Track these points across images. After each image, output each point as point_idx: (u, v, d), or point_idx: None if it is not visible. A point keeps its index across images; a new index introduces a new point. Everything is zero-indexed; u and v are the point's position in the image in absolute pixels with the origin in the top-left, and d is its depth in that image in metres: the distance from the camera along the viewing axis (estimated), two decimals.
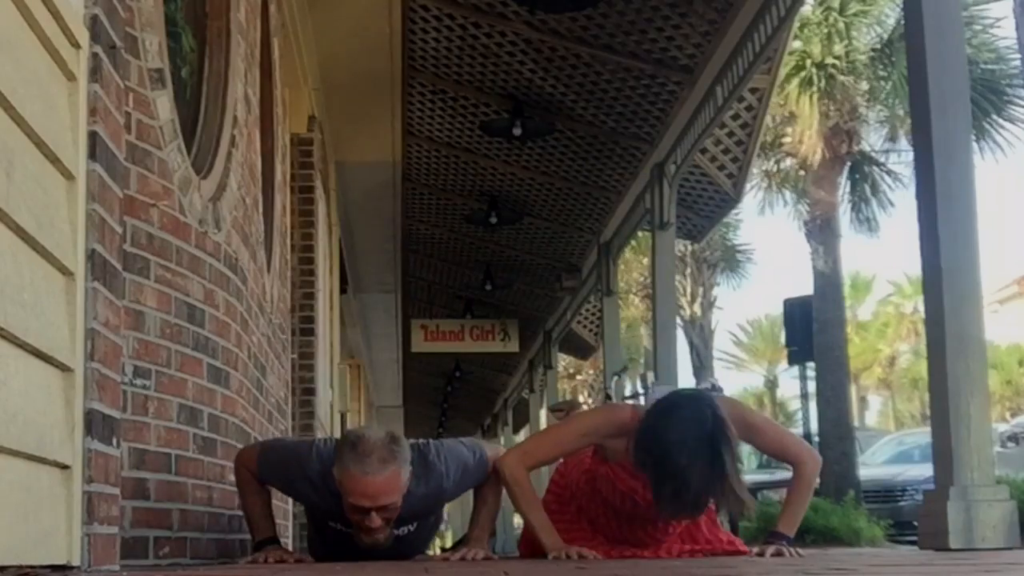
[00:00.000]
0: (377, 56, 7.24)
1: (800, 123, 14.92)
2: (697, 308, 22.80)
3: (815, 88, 14.54)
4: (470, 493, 3.73)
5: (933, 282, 3.89)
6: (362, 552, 3.50)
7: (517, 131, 7.63)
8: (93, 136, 2.19)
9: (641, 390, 9.78)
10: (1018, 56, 13.47)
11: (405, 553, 3.70)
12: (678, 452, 3.25)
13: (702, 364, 21.93)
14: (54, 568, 1.94)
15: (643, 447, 3.35)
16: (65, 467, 2.00)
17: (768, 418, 3.83)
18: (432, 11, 6.82)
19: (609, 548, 3.68)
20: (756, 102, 7.45)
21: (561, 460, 3.92)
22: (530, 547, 3.78)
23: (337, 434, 7.67)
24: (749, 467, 15.27)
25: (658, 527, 3.71)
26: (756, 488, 13.18)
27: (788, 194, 18.13)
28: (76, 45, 2.15)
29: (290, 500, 5.06)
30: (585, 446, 3.66)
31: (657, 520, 3.67)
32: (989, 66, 14.74)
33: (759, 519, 10.26)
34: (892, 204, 16.85)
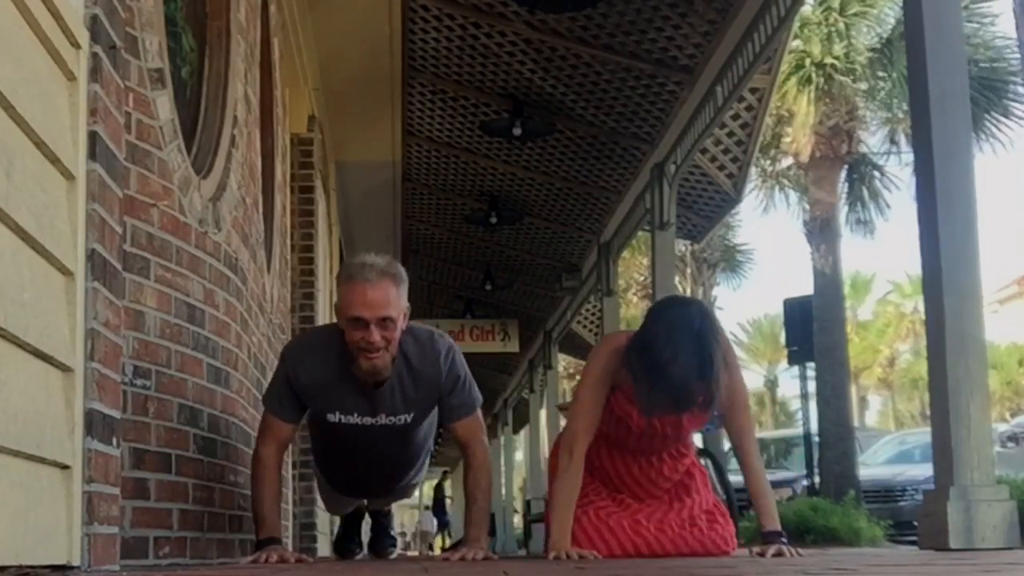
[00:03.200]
0: (377, 56, 7.24)
1: (796, 121, 14.93)
2: None
3: (813, 87, 14.54)
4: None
5: (933, 282, 3.89)
6: (363, 451, 3.62)
7: (517, 131, 7.63)
8: (93, 136, 2.19)
9: None
10: (1017, 54, 13.47)
11: (403, 451, 3.77)
12: (664, 347, 3.35)
13: None
14: (54, 568, 1.94)
15: (632, 347, 3.48)
16: (65, 467, 2.00)
17: (745, 384, 3.85)
18: (432, 11, 6.82)
19: (609, 499, 3.75)
20: (756, 102, 7.45)
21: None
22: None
23: None
24: None
25: (652, 463, 3.79)
26: None
27: (788, 194, 18.16)
28: (76, 45, 2.15)
29: (290, 500, 5.07)
30: (607, 387, 3.66)
31: (651, 454, 3.75)
32: (988, 64, 14.74)
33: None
34: (889, 206, 16.88)
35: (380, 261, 3.42)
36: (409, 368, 3.52)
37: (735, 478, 4.29)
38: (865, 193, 16.67)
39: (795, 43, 13.82)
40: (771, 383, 43.27)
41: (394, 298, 3.38)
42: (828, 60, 14.57)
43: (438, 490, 30.09)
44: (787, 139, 15.72)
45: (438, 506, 29.81)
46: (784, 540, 3.51)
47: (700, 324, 3.41)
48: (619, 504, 3.88)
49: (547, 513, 4.01)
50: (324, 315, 7.65)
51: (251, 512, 3.60)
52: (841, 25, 14.73)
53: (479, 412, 3.71)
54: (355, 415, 3.55)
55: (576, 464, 3.61)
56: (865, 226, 16.86)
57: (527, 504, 16.99)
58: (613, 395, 3.65)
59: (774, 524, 3.58)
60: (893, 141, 16.41)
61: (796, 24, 11.79)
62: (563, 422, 3.89)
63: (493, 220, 9.59)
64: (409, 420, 3.61)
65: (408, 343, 3.51)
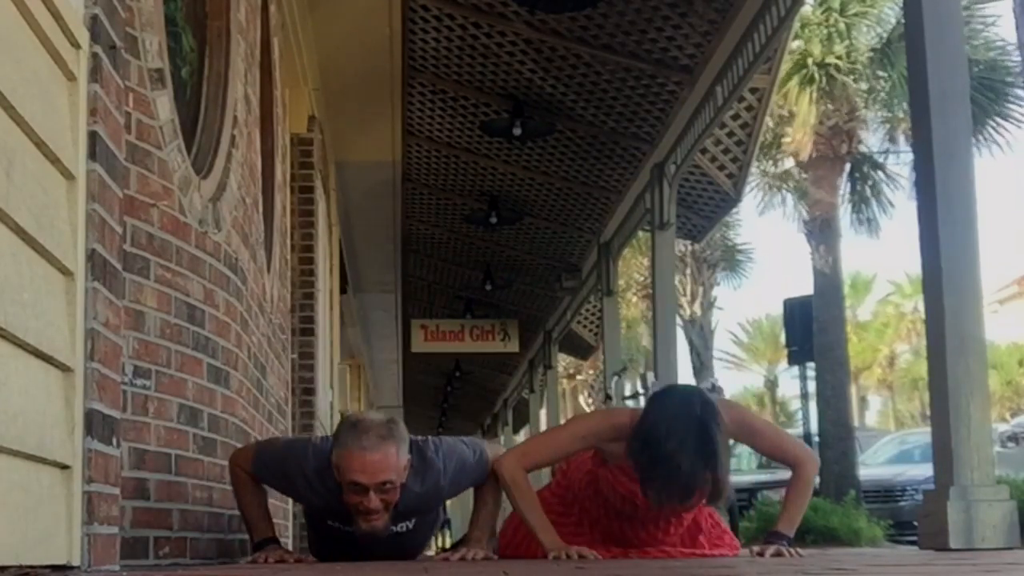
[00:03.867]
0: (377, 56, 7.24)
1: (797, 121, 14.93)
2: (697, 308, 22.79)
3: (814, 87, 14.54)
4: (471, 493, 3.74)
5: (933, 282, 3.89)
6: (361, 550, 3.51)
7: (517, 131, 7.62)
8: (93, 136, 2.19)
9: (641, 390, 9.77)
10: (1017, 55, 13.47)
11: (404, 551, 3.71)
12: (667, 437, 3.32)
13: (702, 364, 21.93)
14: (54, 568, 1.94)
15: (635, 436, 3.43)
16: (65, 467, 2.00)
17: (768, 421, 3.88)
18: (432, 11, 6.82)
19: (612, 549, 3.69)
20: (756, 102, 7.45)
21: (564, 462, 3.93)
22: (516, 546, 3.78)
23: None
24: (749, 467, 15.29)
25: (659, 526, 3.73)
26: (756, 488, 13.20)
27: (788, 194, 18.15)
28: (76, 45, 2.15)
29: (290, 500, 5.06)
30: (583, 449, 3.67)
31: (659, 520, 3.69)
32: (988, 65, 14.74)
33: (759, 519, 10.30)
34: (892, 205, 16.88)
35: (377, 422, 3.33)
36: (410, 495, 3.44)
37: (735, 478, 4.29)
38: (867, 192, 16.67)
39: (795, 43, 13.82)
40: (771, 383, 43.25)
41: (393, 462, 3.28)
42: (829, 60, 14.57)
43: None
44: (787, 139, 15.72)
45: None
46: (785, 542, 3.51)
47: (701, 411, 3.37)
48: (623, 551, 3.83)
49: (507, 525, 3.98)
50: (324, 315, 7.65)
51: (242, 519, 3.60)
52: (842, 25, 14.73)
53: (487, 454, 3.62)
54: (355, 526, 3.44)
55: (519, 477, 3.57)
56: (868, 225, 16.86)
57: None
58: (612, 473, 3.61)
59: (787, 528, 3.57)
60: (893, 140, 16.41)
61: (796, 24, 11.79)
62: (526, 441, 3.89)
63: (493, 220, 9.59)
64: (411, 526, 3.58)
65: (408, 478, 3.41)
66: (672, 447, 3.30)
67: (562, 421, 7.42)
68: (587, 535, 3.72)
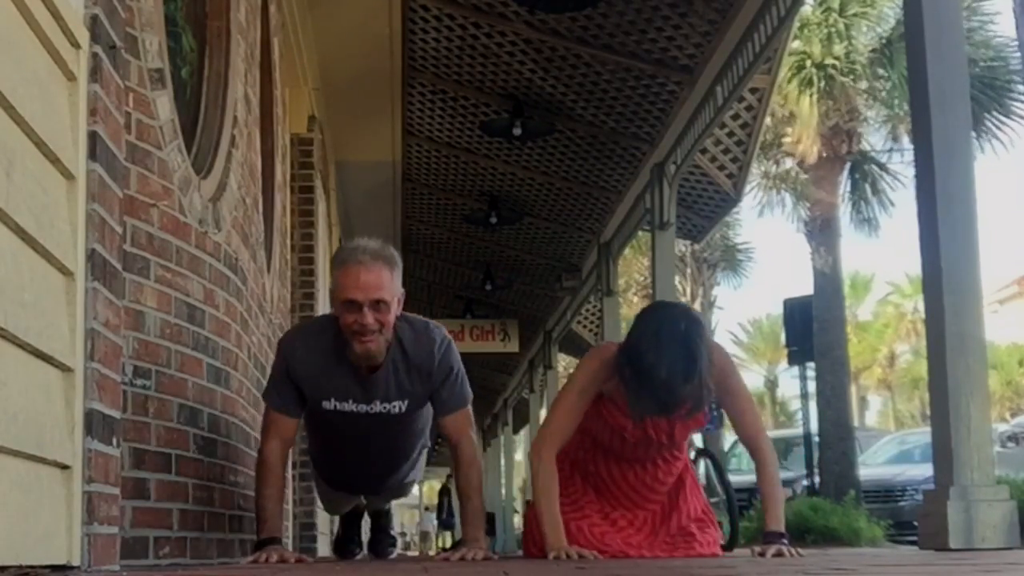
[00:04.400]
0: (377, 56, 7.24)
1: (799, 123, 14.93)
2: (697, 308, 22.80)
3: (815, 88, 14.55)
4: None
5: (933, 282, 3.89)
6: (358, 439, 3.65)
7: (517, 131, 7.63)
8: (93, 136, 2.19)
9: None
10: (1017, 54, 13.47)
11: (395, 443, 3.80)
12: (648, 350, 3.38)
13: None
14: (54, 568, 1.94)
15: (621, 351, 3.51)
16: (65, 467, 2.00)
17: (748, 392, 3.88)
18: (432, 11, 6.82)
19: (603, 507, 3.76)
20: (756, 102, 7.45)
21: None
22: (534, 539, 3.80)
23: None
24: (749, 467, 15.28)
25: (647, 469, 3.79)
26: (756, 488, 13.19)
27: (788, 194, 18.15)
28: (76, 45, 2.15)
29: (290, 500, 5.07)
30: (592, 398, 3.67)
31: (645, 462, 3.77)
32: (988, 63, 14.74)
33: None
34: (892, 204, 16.88)
35: (374, 244, 3.44)
36: (404, 355, 3.53)
37: (735, 478, 4.30)
38: (868, 191, 16.68)
39: (795, 43, 13.81)
40: (771, 383, 43.27)
41: (387, 281, 3.39)
42: (828, 60, 14.57)
43: (444, 493, 29.85)
44: (788, 139, 15.72)
45: (447, 509, 29.37)
46: (785, 541, 3.51)
47: (685, 326, 3.43)
48: (612, 524, 3.87)
49: (530, 521, 4.00)
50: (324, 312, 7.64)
51: (253, 511, 3.60)
52: (841, 25, 14.73)
53: (469, 409, 3.71)
54: (349, 402, 3.55)
55: (547, 465, 3.62)
56: (868, 224, 16.86)
57: (527, 504, 16.99)
58: (605, 406, 3.65)
59: (777, 525, 3.58)
60: (894, 139, 16.41)
61: (796, 24, 11.79)
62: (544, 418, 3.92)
63: (493, 220, 9.59)
64: (403, 408, 3.61)
65: (404, 330, 3.53)
66: (652, 358, 3.36)
67: None
68: (578, 492, 3.77)
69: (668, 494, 3.93)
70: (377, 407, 3.57)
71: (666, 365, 3.36)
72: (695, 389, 3.42)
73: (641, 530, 3.86)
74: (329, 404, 3.57)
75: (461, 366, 3.68)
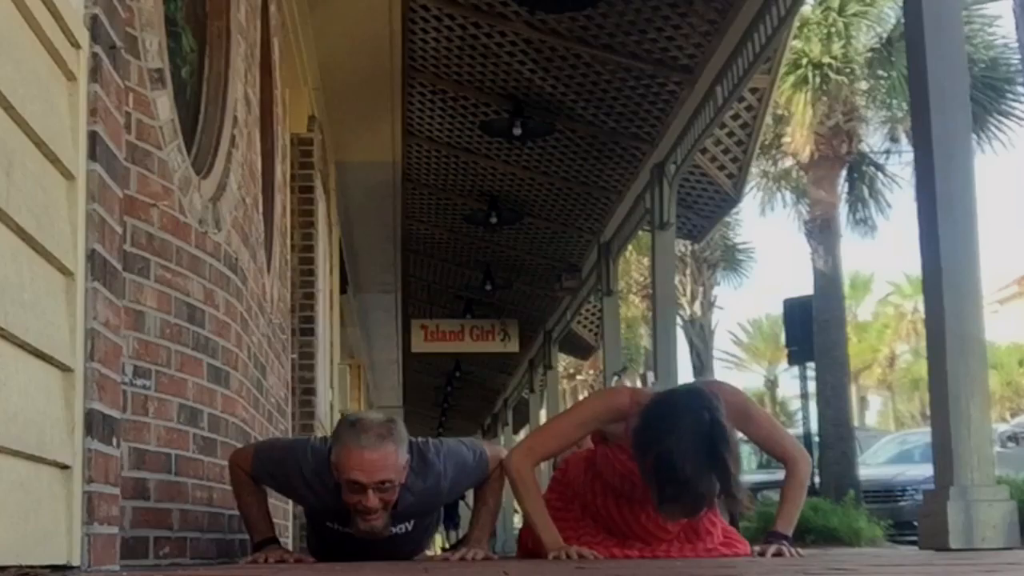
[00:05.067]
0: (377, 56, 7.24)
1: (794, 121, 14.93)
2: (697, 308, 22.81)
3: (809, 87, 14.54)
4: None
5: (933, 282, 3.89)
6: (360, 551, 3.51)
7: (517, 131, 7.63)
8: (93, 136, 2.19)
9: None
10: (1017, 55, 13.47)
11: (402, 552, 3.71)
12: (679, 459, 3.23)
13: (702, 364, 21.94)
14: (54, 568, 1.94)
15: (642, 450, 3.34)
16: (65, 467, 2.00)
17: (767, 413, 3.82)
18: (432, 11, 6.82)
19: (613, 545, 3.68)
20: (756, 102, 7.45)
21: (562, 458, 3.92)
22: (527, 547, 3.78)
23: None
24: (749, 467, 15.28)
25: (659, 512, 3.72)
26: (756, 488, 13.14)
27: (788, 194, 18.16)
28: (76, 45, 2.15)
29: (290, 500, 5.06)
30: (586, 434, 3.66)
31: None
32: (988, 64, 14.74)
33: (759, 519, 10.27)
34: (890, 205, 16.89)
35: (377, 421, 3.33)
36: (410, 494, 3.44)
37: (751, 477, 4.28)
38: (866, 192, 16.68)
39: (795, 43, 13.81)
40: (771, 383, 43.24)
41: (392, 461, 3.29)
42: (825, 60, 14.57)
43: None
44: (787, 139, 15.73)
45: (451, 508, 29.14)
46: (785, 542, 3.50)
47: (711, 428, 3.28)
48: (624, 546, 3.82)
49: (522, 534, 3.98)
50: (324, 315, 7.65)
51: (242, 519, 3.60)
52: (841, 25, 14.73)
53: (486, 454, 3.62)
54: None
55: (524, 474, 3.55)
56: (865, 225, 16.87)
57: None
58: (612, 451, 3.59)
59: (785, 528, 3.56)
60: (893, 139, 16.41)
61: (796, 24, 11.79)
62: (531, 434, 3.87)
63: (493, 220, 9.59)
64: (411, 527, 3.58)
65: (409, 478, 3.42)
66: (682, 471, 3.22)
67: None
68: (588, 530, 3.71)
69: (684, 528, 3.86)
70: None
71: (696, 482, 3.24)
72: (725, 496, 3.35)
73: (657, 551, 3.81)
74: (332, 525, 3.54)
75: (463, 451, 3.57)
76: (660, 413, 3.38)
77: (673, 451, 3.23)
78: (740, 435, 3.63)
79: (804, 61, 14.56)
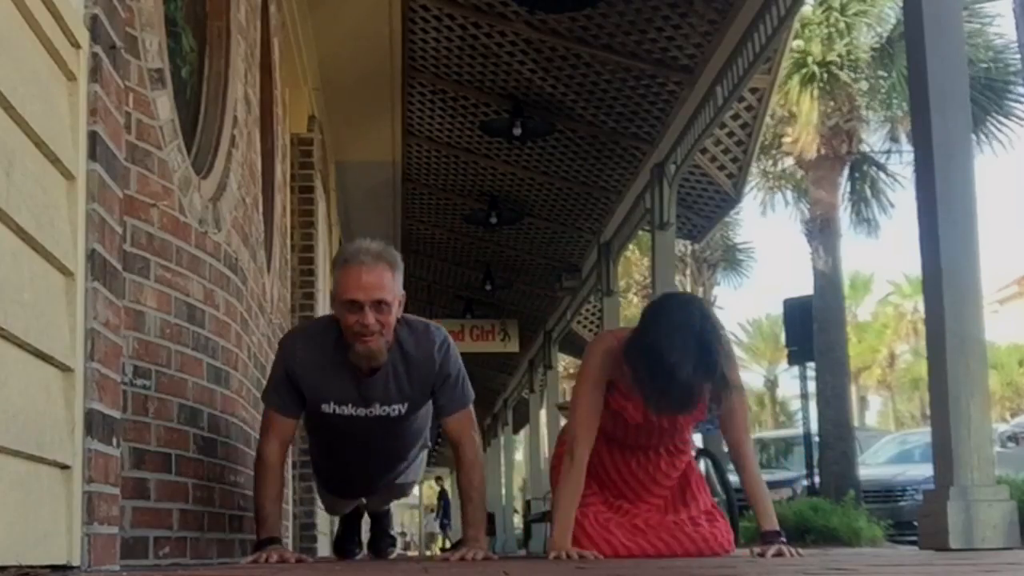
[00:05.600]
0: (377, 56, 7.24)
1: (799, 121, 14.92)
2: None
3: (815, 85, 14.54)
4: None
5: (933, 282, 3.89)
6: (356, 438, 3.65)
7: (517, 131, 7.63)
8: (93, 136, 2.19)
9: None
10: (1017, 55, 13.47)
11: (395, 446, 3.81)
12: (668, 351, 3.33)
13: None
14: (54, 568, 1.94)
15: (634, 347, 3.47)
16: (65, 467, 2.00)
17: (743, 387, 3.86)
18: (432, 11, 6.82)
19: (607, 498, 3.78)
20: (756, 102, 7.45)
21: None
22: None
23: None
24: None
25: (650, 458, 3.80)
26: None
27: (788, 194, 18.16)
28: (76, 45, 2.15)
29: (290, 500, 5.07)
30: (604, 387, 3.67)
31: (648, 451, 3.78)
32: (988, 64, 14.74)
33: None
34: (892, 205, 16.89)
35: (375, 246, 3.45)
36: (404, 357, 3.53)
37: (735, 478, 4.29)
38: (867, 192, 16.68)
39: (796, 43, 13.81)
40: (771, 383, 43.26)
41: (389, 282, 3.40)
42: (829, 59, 14.57)
43: (443, 496, 29.76)
44: (787, 139, 15.72)
45: (443, 511, 29.28)
46: (783, 540, 3.52)
47: (701, 325, 3.41)
48: (617, 511, 3.88)
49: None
50: (324, 313, 7.64)
51: (253, 512, 3.60)
52: (842, 25, 14.73)
53: (471, 409, 3.72)
54: (349, 405, 3.56)
55: (578, 466, 3.62)
56: (868, 224, 16.87)
57: (527, 504, 16.99)
58: (608, 392, 3.66)
59: (772, 524, 3.59)
60: (894, 139, 16.41)
61: (796, 24, 11.80)
62: (563, 421, 3.91)
63: (493, 220, 9.59)
64: (403, 411, 3.62)
65: (404, 332, 3.53)
66: (673, 359, 3.32)
67: (562, 422, 7.43)
68: (596, 501, 3.76)
69: (673, 490, 3.93)
70: (376, 410, 3.58)
71: (687, 366, 3.32)
72: (714, 386, 3.42)
73: (648, 521, 3.86)
74: (328, 407, 3.58)
75: (462, 367, 3.68)
76: (652, 315, 3.57)
77: (660, 338, 3.37)
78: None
79: (809, 60, 14.56)
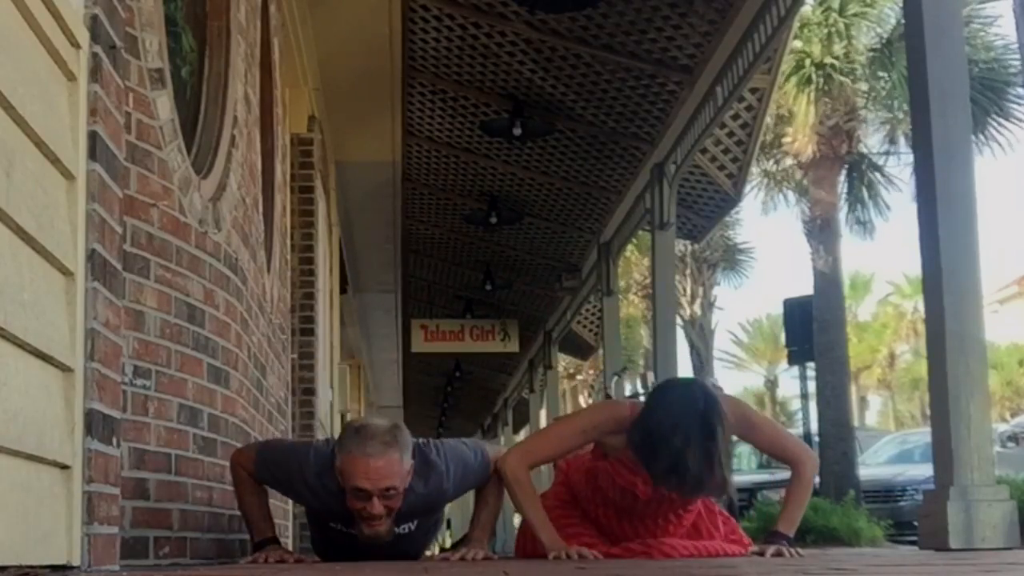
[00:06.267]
0: (377, 56, 7.23)
1: (796, 121, 14.93)
2: (697, 308, 22.80)
3: (813, 87, 14.54)
4: (471, 494, 3.74)
5: (933, 282, 3.89)
6: (363, 551, 3.51)
7: (517, 131, 7.62)
8: (93, 136, 2.19)
9: (641, 390, 9.75)
10: (1017, 56, 13.47)
11: (405, 553, 3.71)
12: (672, 433, 3.33)
13: (702, 364, 21.94)
14: (54, 568, 1.94)
15: (638, 429, 3.44)
16: (65, 467, 2.00)
17: (768, 417, 3.87)
18: (432, 11, 6.82)
19: (612, 547, 3.69)
20: (756, 102, 7.45)
21: (563, 462, 3.92)
22: (525, 549, 3.79)
23: (336, 434, 7.67)
24: (749, 467, 15.29)
25: (658, 523, 3.73)
26: (756, 488, 13.19)
27: (789, 194, 18.16)
28: (76, 45, 2.15)
29: (290, 500, 5.06)
30: (585, 443, 3.67)
31: (657, 517, 3.69)
32: (988, 65, 14.74)
33: (759, 519, 10.30)
34: (888, 207, 16.88)
35: (381, 429, 3.34)
36: (415, 497, 3.45)
37: (735, 478, 4.28)
38: (865, 193, 16.68)
39: (795, 43, 13.81)
40: (771, 383, 43.24)
41: (397, 467, 3.30)
42: (828, 60, 14.57)
43: None
44: (787, 139, 15.72)
45: None
46: (785, 541, 3.51)
47: (704, 405, 3.39)
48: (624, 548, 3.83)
49: (519, 535, 4.00)
50: (324, 315, 7.65)
51: (243, 519, 3.60)
52: (841, 25, 14.73)
53: (486, 448, 3.65)
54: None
55: (521, 474, 3.57)
56: (864, 226, 16.87)
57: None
58: (613, 466, 3.61)
59: (787, 528, 3.57)
60: (892, 141, 16.40)
61: (796, 24, 11.80)
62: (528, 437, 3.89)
63: (493, 220, 9.59)
64: (414, 528, 3.59)
65: (414, 480, 3.43)
66: (677, 444, 3.32)
67: None
68: (590, 534, 3.71)
69: (687, 528, 3.87)
70: None
71: (692, 454, 3.31)
72: (717, 474, 3.39)
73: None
74: (336, 525, 3.55)
75: (465, 450, 3.59)
76: (656, 395, 3.56)
77: (665, 424, 3.36)
78: (745, 443, 3.66)
79: (807, 62, 14.56)
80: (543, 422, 15.60)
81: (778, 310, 16.08)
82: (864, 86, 15.35)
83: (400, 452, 3.31)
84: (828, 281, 14.72)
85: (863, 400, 41.94)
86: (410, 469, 3.37)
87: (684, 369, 16.61)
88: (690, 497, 3.57)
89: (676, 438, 3.32)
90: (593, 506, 3.75)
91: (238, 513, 3.78)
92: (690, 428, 3.33)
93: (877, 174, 16.78)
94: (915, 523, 4.40)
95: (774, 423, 3.91)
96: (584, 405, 28.33)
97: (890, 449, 15.84)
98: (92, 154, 2.18)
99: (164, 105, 3.26)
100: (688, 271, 22.24)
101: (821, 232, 14.88)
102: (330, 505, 3.44)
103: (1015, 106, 15.07)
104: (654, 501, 3.63)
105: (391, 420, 3.48)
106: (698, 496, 3.56)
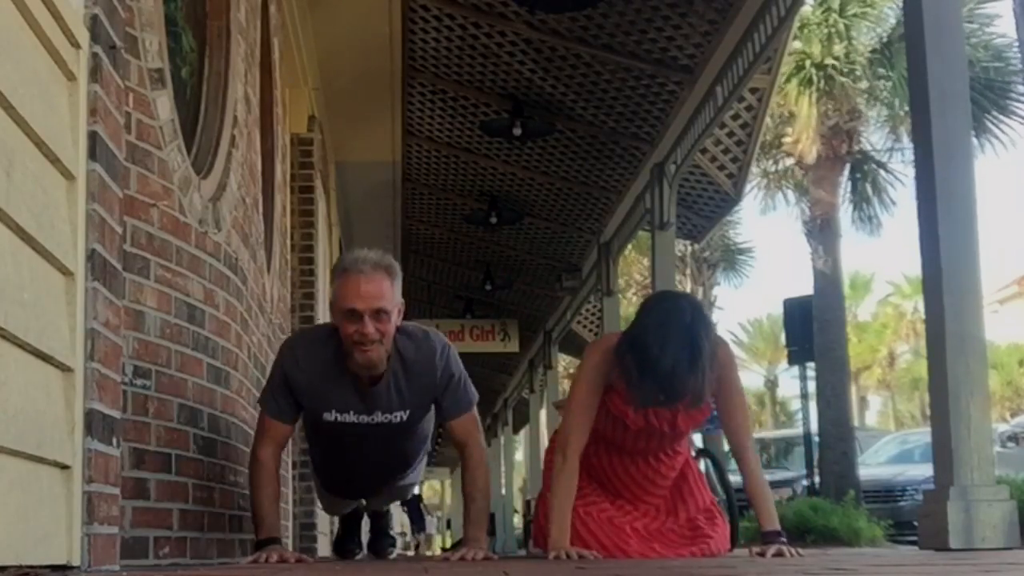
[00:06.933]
0: (377, 56, 7.24)
1: (798, 123, 14.93)
2: None
3: (814, 88, 14.55)
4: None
5: (933, 282, 3.89)
6: (359, 449, 3.65)
7: (517, 131, 7.63)
8: (93, 136, 2.19)
9: None
10: (1017, 54, 13.47)
11: (396, 451, 3.80)
12: (656, 339, 3.39)
13: None
14: (54, 568, 1.94)
15: (625, 340, 3.53)
16: (65, 467, 2.00)
17: (743, 391, 3.89)
18: (432, 11, 6.82)
19: (609, 503, 3.78)
20: (756, 102, 7.45)
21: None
22: (537, 539, 3.83)
23: None
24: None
25: (649, 463, 3.81)
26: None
27: (789, 194, 18.16)
28: (76, 45, 2.15)
29: (290, 500, 5.07)
30: (601, 391, 3.68)
31: (647, 455, 3.79)
32: (988, 64, 14.74)
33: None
34: (894, 203, 16.89)
35: (374, 255, 3.45)
36: (404, 365, 3.53)
37: (735, 478, 4.31)
38: (869, 190, 16.68)
39: (795, 44, 13.82)
40: (771, 383, 43.28)
41: (388, 291, 3.40)
42: (828, 61, 14.57)
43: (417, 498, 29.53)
44: (788, 139, 15.73)
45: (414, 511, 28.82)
46: (783, 540, 3.52)
47: (691, 317, 3.44)
48: (619, 509, 3.88)
49: (538, 511, 4.02)
50: (324, 315, 7.64)
51: (251, 513, 3.60)
52: (841, 26, 14.73)
53: (475, 411, 3.72)
54: (351, 413, 3.56)
55: (571, 465, 3.62)
56: (871, 221, 16.87)
57: (527, 504, 16.99)
58: (608, 395, 3.66)
59: (773, 524, 3.59)
60: (896, 138, 16.40)
61: (796, 24, 11.79)
62: (561, 420, 3.92)
63: (493, 220, 9.59)
64: (405, 418, 3.61)
65: (403, 341, 3.53)
66: (657, 349, 3.38)
67: (560, 420, 7.43)
68: (583, 482, 3.75)
69: (672, 489, 3.94)
70: (378, 418, 3.57)
71: (670, 356, 3.37)
72: (697, 380, 3.42)
73: (650, 527, 3.87)
74: (330, 416, 3.58)
75: (463, 370, 3.68)
76: (645, 307, 3.63)
77: (649, 329, 3.43)
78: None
79: (808, 63, 14.56)
80: (543, 422, 15.61)
81: (778, 310, 16.08)
82: (865, 85, 15.35)
83: (390, 276, 3.42)
84: (828, 281, 14.72)
85: (863, 400, 41.96)
86: (400, 306, 3.46)
87: None
88: (670, 404, 3.57)
89: (654, 348, 3.37)
90: (587, 455, 3.76)
91: (238, 513, 3.78)
92: (672, 339, 3.38)
93: (881, 170, 16.79)
94: (915, 523, 4.40)
95: (745, 400, 3.90)
96: None
97: (890, 449, 15.84)
98: (92, 154, 2.18)
99: (164, 105, 3.26)
100: (688, 271, 22.22)
101: (821, 232, 14.88)
102: (326, 377, 3.49)
103: (1015, 105, 15.08)
104: (644, 434, 3.70)
105: (384, 251, 3.58)
106: (678, 401, 3.54)
